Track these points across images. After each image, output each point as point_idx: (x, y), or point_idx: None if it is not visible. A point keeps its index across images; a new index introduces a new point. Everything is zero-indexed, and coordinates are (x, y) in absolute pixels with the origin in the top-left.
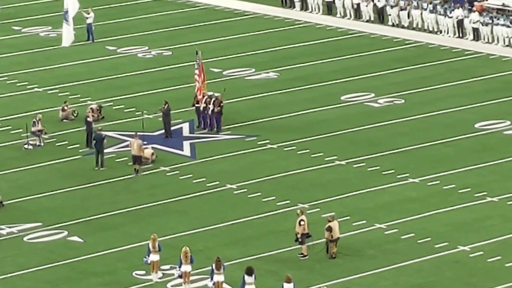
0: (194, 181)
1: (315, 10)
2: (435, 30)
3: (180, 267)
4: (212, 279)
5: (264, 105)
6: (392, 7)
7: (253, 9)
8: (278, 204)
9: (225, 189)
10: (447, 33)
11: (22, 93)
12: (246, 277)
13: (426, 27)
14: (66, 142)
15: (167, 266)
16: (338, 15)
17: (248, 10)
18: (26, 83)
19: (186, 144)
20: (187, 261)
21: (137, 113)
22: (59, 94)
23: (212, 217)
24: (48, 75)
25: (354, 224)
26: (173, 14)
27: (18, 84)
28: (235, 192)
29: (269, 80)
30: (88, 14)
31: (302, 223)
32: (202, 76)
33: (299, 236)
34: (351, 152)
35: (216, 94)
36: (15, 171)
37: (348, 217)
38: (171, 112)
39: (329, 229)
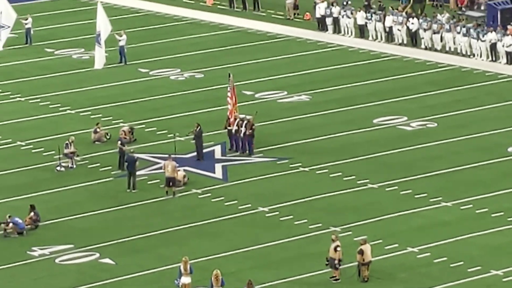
0: (226, 203)
1: (347, 33)
2: (468, 53)
3: None
4: None
5: (296, 127)
6: (425, 30)
7: (285, 32)
8: (310, 227)
9: (257, 212)
10: (480, 56)
11: (54, 115)
12: None
13: (459, 51)
14: (98, 164)
15: None
16: (371, 38)
17: (280, 33)
18: (59, 105)
19: (218, 167)
20: (218, 284)
21: (169, 135)
22: (92, 116)
23: (244, 240)
24: (81, 97)
25: (386, 247)
26: (205, 36)
27: (50, 106)
28: (267, 214)
29: (302, 102)
30: (121, 36)
31: (338, 249)
32: (234, 99)
33: (336, 262)
34: (384, 175)
35: (248, 117)
36: (47, 193)
37: (380, 241)
38: (203, 134)
39: (361, 252)
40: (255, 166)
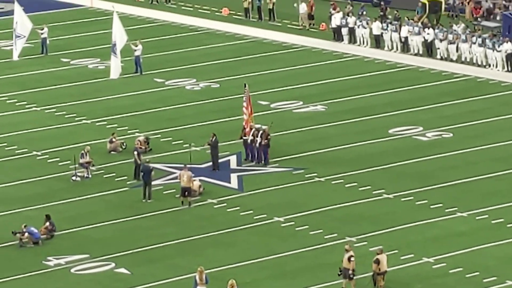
0: (242, 213)
1: (363, 43)
2: (484, 64)
3: None
4: None
5: (311, 138)
6: (441, 40)
7: (301, 42)
8: (325, 237)
9: (272, 222)
10: (496, 67)
11: (70, 124)
12: None
13: (474, 61)
14: (114, 174)
15: None
16: (386, 48)
17: (296, 43)
18: (75, 115)
19: (234, 177)
20: None
21: (184, 145)
22: (107, 126)
23: (259, 250)
24: (96, 107)
25: (402, 257)
26: (221, 46)
27: (66, 116)
28: (283, 224)
29: (317, 113)
30: (136, 46)
31: (352, 259)
32: (250, 109)
33: (350, 272)
34: (399, 185)
35: (263, 127)
36: (63, 203)
37: (396, 251)
38: (219, 144)
39: (377, 262)
40: (271, 176)
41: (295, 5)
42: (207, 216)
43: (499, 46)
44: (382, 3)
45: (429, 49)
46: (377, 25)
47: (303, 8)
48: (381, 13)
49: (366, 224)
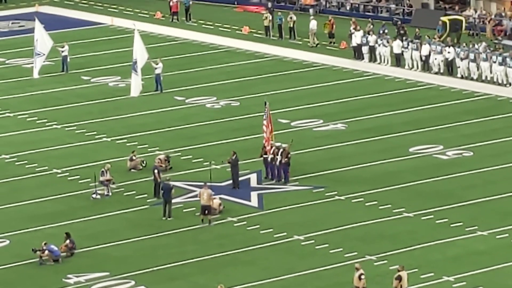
0: (262, 232)
1: (383, 61)
2: (505, 82)
3: None
4: None
5: (332, 156)
6: (462, 59)
7: (321, 60)
8: (345, 255)
9: (292, 240)
10: None
11: (90, 142)
12: None
13: (495, 80)
14: (134, 192)
15: None
16: (407, 67)
17: (316, 61)
18: (95, 132)
19: (254, 195)
20: None
21: (205, 163)
22: (128, 144)
23: (279, 268)
24: (117, 124)
25: (422, 276)
26: (241, 64)
27: (86, 134)
28: (303, 243)
29: (337, 131)
30: (157, 64)
31: (362, 277)
32: (270, 127)
33: None
34: (419, 204)
35: (283, 145)
36: (83, 221)
37: (416, 269)
38: (239, 162)
39: (399, 278)
40: (291, 194)
41: (311, 17)
42: (227, 234)
43: None
44: (399, 22)
45: (449, 68)
46: (397, 43)
47: (313, 25)
48: (402, 31)
49: (386, 242)
